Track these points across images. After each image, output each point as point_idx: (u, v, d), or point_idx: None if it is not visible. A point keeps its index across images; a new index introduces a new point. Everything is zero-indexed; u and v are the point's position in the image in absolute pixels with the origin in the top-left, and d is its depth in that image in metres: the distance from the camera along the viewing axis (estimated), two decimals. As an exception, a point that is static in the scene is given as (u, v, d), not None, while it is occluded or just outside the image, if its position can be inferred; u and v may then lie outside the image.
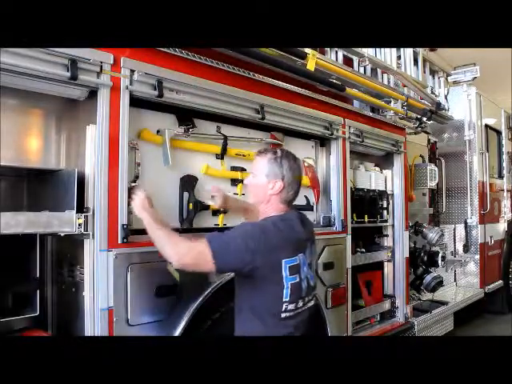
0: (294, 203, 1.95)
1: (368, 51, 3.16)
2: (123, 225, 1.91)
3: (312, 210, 3.04)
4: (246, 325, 1.81)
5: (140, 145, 2.12)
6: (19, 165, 1.94)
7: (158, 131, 2.23)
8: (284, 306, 1.77)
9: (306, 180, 2.96)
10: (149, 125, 2.20)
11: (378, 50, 3.30)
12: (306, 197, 2.98)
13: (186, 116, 2.33)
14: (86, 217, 1.82)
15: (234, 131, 2.57)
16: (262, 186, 1.85)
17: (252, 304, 1.81)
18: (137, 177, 2.08)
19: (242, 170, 2.58)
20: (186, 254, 1.73)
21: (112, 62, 1.91)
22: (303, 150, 3.05)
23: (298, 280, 1.79)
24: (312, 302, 1.96)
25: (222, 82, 2.37)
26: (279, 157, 1.86)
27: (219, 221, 2.47)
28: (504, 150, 6.20)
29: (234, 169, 2.57)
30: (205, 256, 1.68)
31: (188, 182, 2.31)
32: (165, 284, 2.04)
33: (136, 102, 2.07)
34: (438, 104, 4.25)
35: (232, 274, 2.00)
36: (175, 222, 2.22)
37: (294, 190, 1.88)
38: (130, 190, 1.96)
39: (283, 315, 1.78)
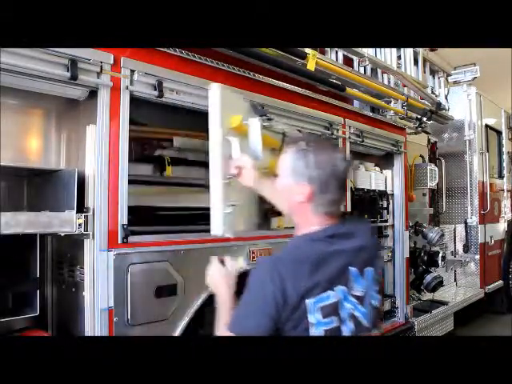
0: (339, 212, 1.43)
1: (368, 51, 3.16)
2: (123, 225, 1.91)
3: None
4: None
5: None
6: (19, 165, 1.94)
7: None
8: None
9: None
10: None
11: (378, 49, 3.30)
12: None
13: (260, 105, 2.16)
14: (86, 217, 1.82)
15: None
16: (286, 190, 1.39)
17: None
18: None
19: None
20: None
21: (112, 62, 1.91)
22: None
23: (335, 324, 1.31)
24: None
25: (222, 82, 2.35)
26: (304, 149, 1.36)
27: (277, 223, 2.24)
28: (504, 150, 6.21)
29: None
30: None
31: None
32: (165, 284, 2.04)
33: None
34: (438, 104, 4.25)
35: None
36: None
37: (329, 194, 1.34)
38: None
39: None
